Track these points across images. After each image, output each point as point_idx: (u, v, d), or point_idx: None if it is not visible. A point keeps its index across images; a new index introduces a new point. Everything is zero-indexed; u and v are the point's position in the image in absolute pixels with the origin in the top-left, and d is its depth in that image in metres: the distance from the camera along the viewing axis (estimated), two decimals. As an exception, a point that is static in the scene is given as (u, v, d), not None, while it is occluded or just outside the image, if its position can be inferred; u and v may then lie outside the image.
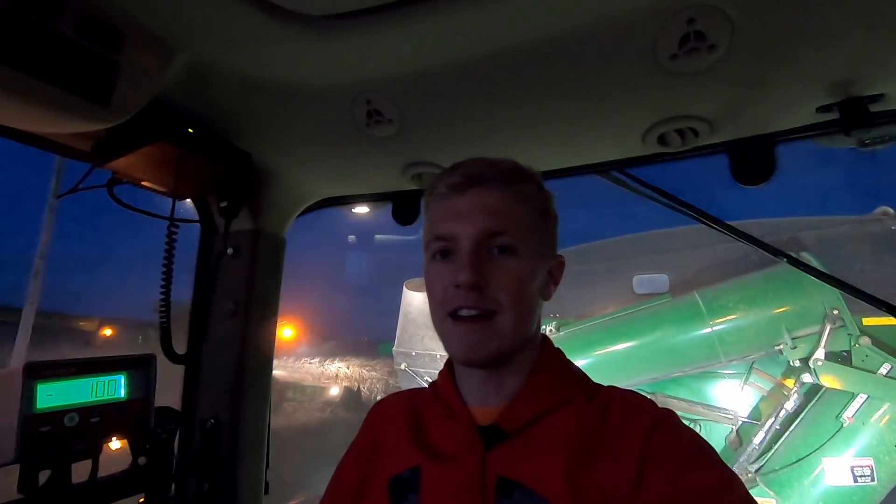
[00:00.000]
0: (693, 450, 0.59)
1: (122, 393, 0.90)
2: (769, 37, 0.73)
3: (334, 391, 14.23)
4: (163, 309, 1.03)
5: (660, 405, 0.65)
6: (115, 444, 0.90)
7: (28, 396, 0.78)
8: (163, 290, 1.02)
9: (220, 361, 1.22)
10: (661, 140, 0.98)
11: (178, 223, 1.06)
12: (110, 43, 0.76)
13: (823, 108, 0.87)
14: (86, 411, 0.85)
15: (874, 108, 0.85)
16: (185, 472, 1.14)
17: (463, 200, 0.67)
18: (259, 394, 1.26)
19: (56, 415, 0.81)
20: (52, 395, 0.81)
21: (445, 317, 0.65)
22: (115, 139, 0.93)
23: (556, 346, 0.74)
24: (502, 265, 0.64)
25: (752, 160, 0.99)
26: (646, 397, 0.68)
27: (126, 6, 0.74)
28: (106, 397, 0.87)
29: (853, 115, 0.84)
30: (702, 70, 0.79)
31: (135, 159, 0.98)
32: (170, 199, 1.10)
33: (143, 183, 1.04)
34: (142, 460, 0.98)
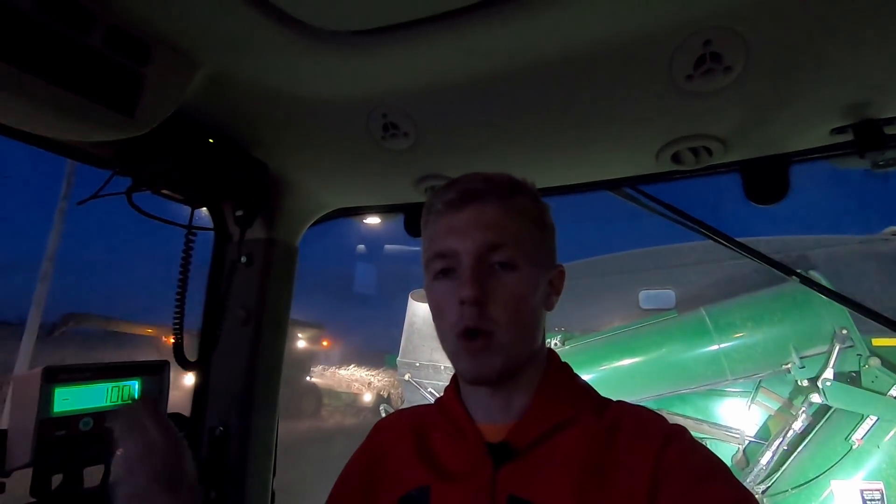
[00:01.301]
0: (706, 466, 0.59)
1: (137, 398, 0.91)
2: (784, 59, 0.74)
3: (367, 398, 14.90)
4: (177, 316, 1.04)
5: None
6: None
7: (45, 400, 0.78)
8: (178, 297, 1.03)
9: (230, 369, 1.22)
10: (675, 158, 0.99)
11: (195, 231, 1.07)
12: (138, 56, 0.78)
13: (838, 130, 0.88)
14: (100, 416, 0.85)
15: (889, 130, 0.86)
16: (194, 479, 1.14)
17: (460, 216, 0.66)
18: (268, 402, 1.26)
19: (71, 419, 0.82)
20: (68, 399, 0.81)
21: (455, 337, 0.64)
22: (137, 148, 0.95)
23: (567, 358, 0.74)
24: (502, 281, 0.64)
25: (766, 180, 0.99)
26: (656, 413, 0.67)
27: (154, 20, 0.76)
28: (121, 402, 0.88)
29: (868, 137, 0.84)
30: (717, 90, 0.80)
31: (155, 167, 1.00)
32: (177, 205, 1.11)
33: (161, 191, 1.06)
34: (152, 467, 0.98)
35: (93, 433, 0.84)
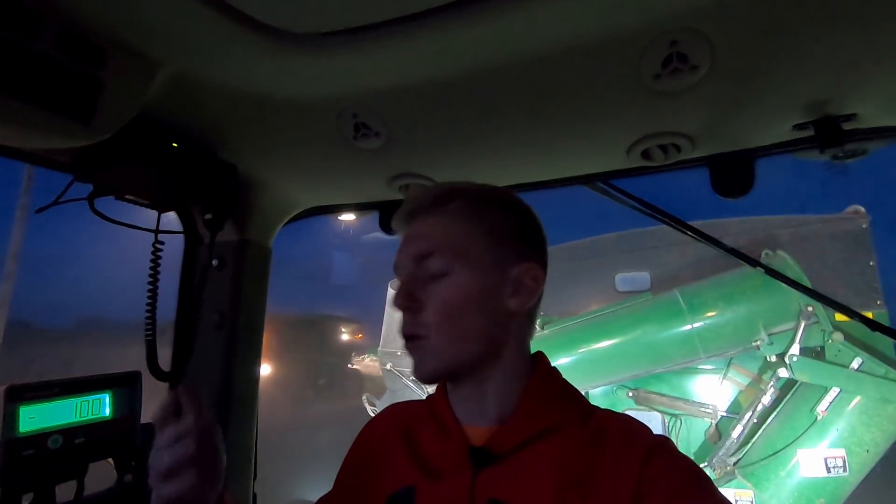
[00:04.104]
0: (690, 478, 0.59)
1: (108, 412, 0.89)
2: (748, 59, 0.75)
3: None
4: (148, 324, 1.02)
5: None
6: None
7: (10, 421, 0.76)
8: (149, 304, 1.01)
9: (206, 374, 1.21)
10: (645, 154, 1.00)
11: (162, 236, 1.04)
12: (92, 59, 0.75)
13: (799, 126, 0.90)
14: (70, 432, 0.83)
15: (847, 126, 0.88)
16: (172, 486, 1.13)
17: (406, 233, 0.72)
18: (246, 405, 1.25)
19: (39, 437, 0.79)
20: (34, 417, 0.79)
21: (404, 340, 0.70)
22: (97, 154, 0.91)
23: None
24: (433, 288, 0.67)
25: (732, 174, 1.02)
26: (641, 423, 0.67)
27: (108, 22, 0.73)
28: (91, 417, 0.86)
29: (827, 133, 0.87)
30: (684, 89, 0.81)
31: (117, 173, 0.96)
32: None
33: (125, 196, 1.02)
34: (127, 478, 0.97)
35: (63, 450, 0.82)
